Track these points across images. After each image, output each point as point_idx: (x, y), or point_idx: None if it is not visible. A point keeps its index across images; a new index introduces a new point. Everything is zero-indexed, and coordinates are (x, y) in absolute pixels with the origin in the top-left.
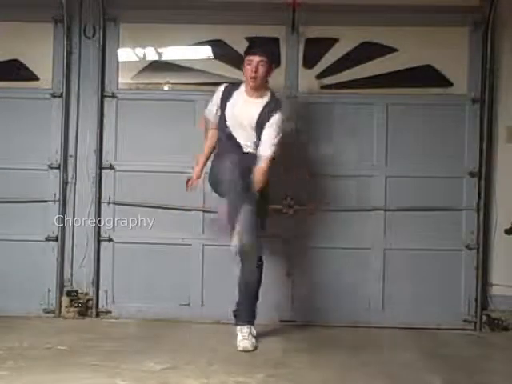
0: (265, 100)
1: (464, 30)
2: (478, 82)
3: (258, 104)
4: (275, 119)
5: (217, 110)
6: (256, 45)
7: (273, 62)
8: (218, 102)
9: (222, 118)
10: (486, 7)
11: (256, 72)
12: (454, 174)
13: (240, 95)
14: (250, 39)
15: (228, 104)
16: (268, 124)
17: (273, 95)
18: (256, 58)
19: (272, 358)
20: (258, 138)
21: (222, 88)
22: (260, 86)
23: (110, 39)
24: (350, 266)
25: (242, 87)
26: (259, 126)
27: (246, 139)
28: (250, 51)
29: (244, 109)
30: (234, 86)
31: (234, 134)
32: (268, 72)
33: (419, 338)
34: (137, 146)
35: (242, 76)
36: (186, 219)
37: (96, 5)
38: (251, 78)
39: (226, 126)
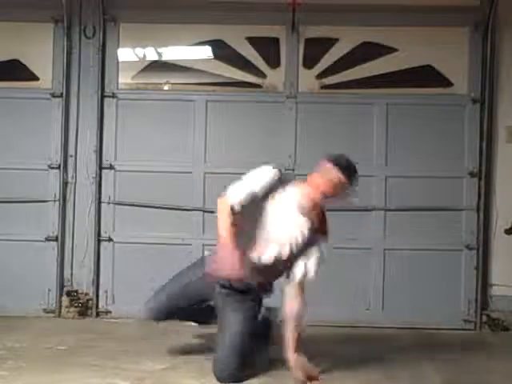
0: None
1: (464, 30)
2: (477, 82)
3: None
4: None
5: (255, 195)
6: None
7: None
8: (266, 186)
9: (260, 210)
10: (485, 7)
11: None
12: (454, 174)
13: (291, 201)
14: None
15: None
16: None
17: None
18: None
19: (272, 358)
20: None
21: (276, 173)
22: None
23: (110, 39)
24: (350, 265)
25: (295, 190)
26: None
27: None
28: (355, 182)
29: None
30: (285, 179)
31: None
32: None
33: (419, 338)
34: (137, 146)
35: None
36: (185, 219)
37: (96, 5)
38: (332, 197)
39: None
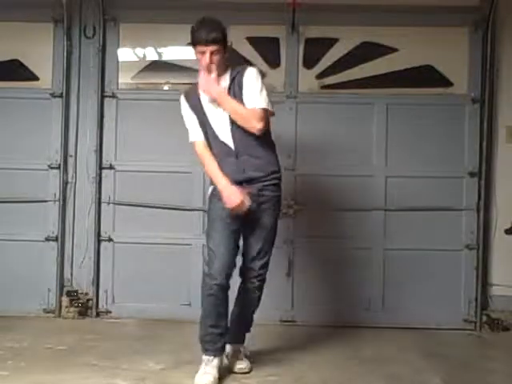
0: (227, 76)
1: (464, 30)
2: (478, 82)
3: (222, 84)
4: (248, 74)
5: (195, 123)
6: (204, 30)
7: (226, 42)
8: (190, 112)
9: (205, 125)
10: (485, 7)
11: (211, 62)
12: (454, 174)
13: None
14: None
15: (198, 107)
16: (244, 84)
17: (234, 67)
18: (209, 49)
19: (272, 358)
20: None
21: (182, 99)
22: (220, 72)
23: (110, 39)
24: (350, 265)
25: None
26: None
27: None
28: (199, 40)
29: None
30: (189, 89)
31: (218, 132)
32: (224, 55)
33: (419, 338)
34: (137, 146)
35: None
36: (186, 219)
37: (96, 5)
38: (207, 69)
39: (211, 130)
